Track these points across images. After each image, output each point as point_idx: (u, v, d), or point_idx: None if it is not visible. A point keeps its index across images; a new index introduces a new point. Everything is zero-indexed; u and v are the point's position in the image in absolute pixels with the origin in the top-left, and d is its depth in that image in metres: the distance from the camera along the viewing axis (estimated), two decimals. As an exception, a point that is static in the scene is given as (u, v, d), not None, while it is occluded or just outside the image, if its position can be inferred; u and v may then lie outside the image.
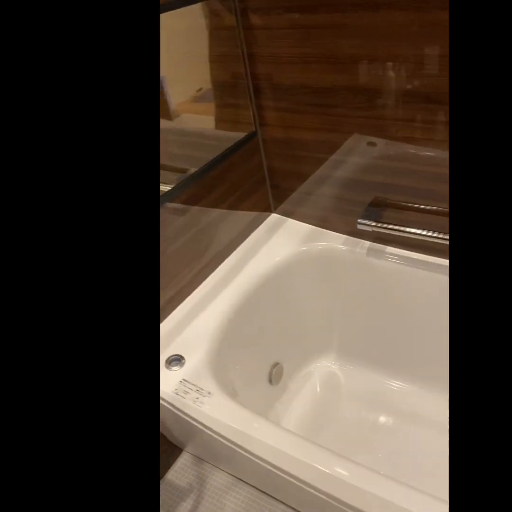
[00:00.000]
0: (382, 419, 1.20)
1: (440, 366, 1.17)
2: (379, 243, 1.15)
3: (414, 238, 1.06)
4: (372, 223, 1.06)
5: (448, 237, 0.98)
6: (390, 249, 1.14)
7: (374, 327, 1.23)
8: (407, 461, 1.10)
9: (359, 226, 1.07)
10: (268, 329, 1.18)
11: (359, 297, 1.22)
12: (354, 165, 1.07)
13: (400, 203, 1.07)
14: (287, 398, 1.26)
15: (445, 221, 1.03)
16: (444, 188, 0.99)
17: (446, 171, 0.97)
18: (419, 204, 1.04)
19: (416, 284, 1.11)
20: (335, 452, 0.76)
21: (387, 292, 1.16)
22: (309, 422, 1.21)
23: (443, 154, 0.95)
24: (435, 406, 1.19)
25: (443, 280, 1.07)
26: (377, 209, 1.09)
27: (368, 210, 1.09)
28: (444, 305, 1.09)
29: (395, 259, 1.12)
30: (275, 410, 1.23)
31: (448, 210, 1.02)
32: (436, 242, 1.04)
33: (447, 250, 1.06)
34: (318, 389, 1.29)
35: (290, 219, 1.29)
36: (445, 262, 1.07)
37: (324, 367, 1.33)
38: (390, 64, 0.90)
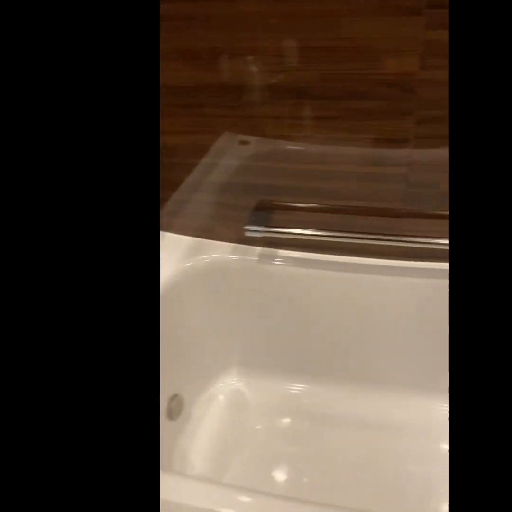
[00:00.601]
0: (295, 424, 1.16)
1: (343, 361, 1.17)
2: (271, 247, 1.10)
3: (306, 239, 1.02)
4: (261, 229, 0.98)
5: (339, 234, 0.96)
6: (282, 252, 1.08)
7: (274, 333, 1.18)
8: (331, 462, 1.07)
9: (247, 234, 0.99)
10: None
11: (256, 306, 1.15)
12: (229, 167, 1.00)
13: (287, 204, 1.02)
14: (191, 429, 1.15)
15: (335, 218, 1.02)
16: (329, 185, 0.97)
17: (325, 167, 0.95)
18: (306, 203, 1.01)
19: (313, 284, 1.08)
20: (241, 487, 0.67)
21: (284, 297, 1.11)
22: (220, 447, 1.12)
23: (318, 149, 0.93)
24: (345, 403, 1.18)
25: (339, 277, 1.05)
26: (264, 212, 1.03)
27: (255, 215, 1.02)
28: (341, 302, 1.09)
29: (289, 262, 1.07)
30: (180, 445, 1.11)
31: (339, 206, 0.99)
32: (328, 241, 1.02)
33: (341, 247, 1.04)
34: (224, 410, 1.20)
35: (168, 233, 1.17)
36: (341, 259, 1.05)
37: (227, 386, 1.24)
38: (251, 58, 0.85)
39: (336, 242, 1.02)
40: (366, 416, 1.15)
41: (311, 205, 1.00)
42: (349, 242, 1.01)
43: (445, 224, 0.95)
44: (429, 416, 1.12)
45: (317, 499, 0.99)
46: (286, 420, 1.17)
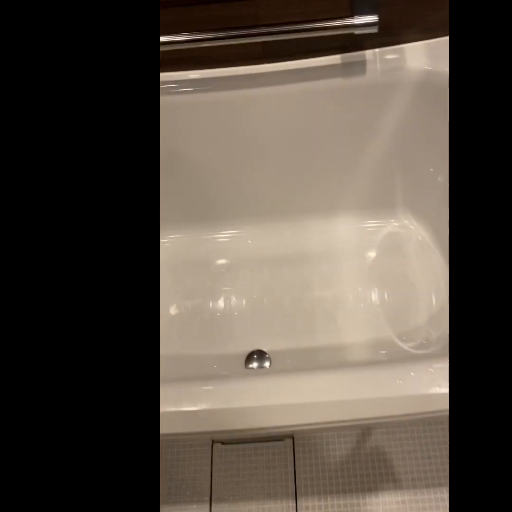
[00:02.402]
0: (212, 269, 1.13)
1: (240, 201, 1.12)
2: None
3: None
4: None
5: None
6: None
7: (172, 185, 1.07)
8: (246, 300, 1.08)
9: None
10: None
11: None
12: None
13: None
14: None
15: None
16: None
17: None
18: None
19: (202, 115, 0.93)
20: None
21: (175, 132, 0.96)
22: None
23: None
24: (249, 243, 1.15)
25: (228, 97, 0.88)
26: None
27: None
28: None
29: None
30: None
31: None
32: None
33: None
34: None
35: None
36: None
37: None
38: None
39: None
40: (271, 253, 1.13)
41: None
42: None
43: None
44: (330, 239, 1.13)
45: (240, 334, 1.03)
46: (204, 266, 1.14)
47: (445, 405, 0.57)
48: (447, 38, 0.84)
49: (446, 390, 0.57)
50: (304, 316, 1.04)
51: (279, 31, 0.78)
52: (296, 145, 1.00)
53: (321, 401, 0.59)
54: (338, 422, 0.60)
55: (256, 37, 0.79)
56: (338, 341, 1.01)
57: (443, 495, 0.91)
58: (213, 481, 0.95)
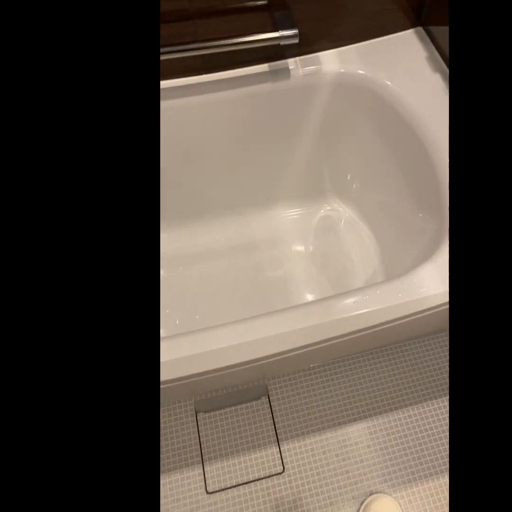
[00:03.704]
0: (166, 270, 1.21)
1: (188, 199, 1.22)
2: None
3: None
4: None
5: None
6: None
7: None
8: (204, 290, 1.18)
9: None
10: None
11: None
12: None
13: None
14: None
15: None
16: None
17: None
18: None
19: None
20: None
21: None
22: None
23: None
24: (197, 239, 1.25)
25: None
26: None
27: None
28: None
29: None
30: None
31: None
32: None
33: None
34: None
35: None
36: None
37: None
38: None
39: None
40: (220, 246, 1.24)
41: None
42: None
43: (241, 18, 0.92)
44: (273, 227, 1.26)
45: (203, 319, 1.13)
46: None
47: (375, 321, 0.71)
48: (354, 45, 1.03)
49: (372, 308, 0.71)
50: (261, 294, 1.16)
51: (216, 45, 0.90)
52: (234, 145, 1.13)
53: (279, 333, 0.71)
54: (293, 350, 0.72)
55: (196, 51, 0.91)
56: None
57: (400, 416, 1.07)
58: (202, 445, 1.03)
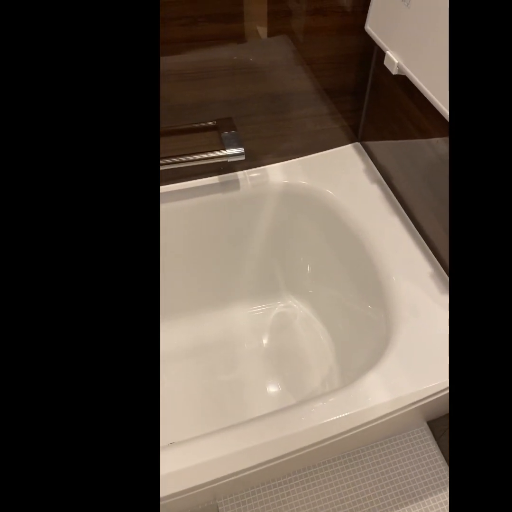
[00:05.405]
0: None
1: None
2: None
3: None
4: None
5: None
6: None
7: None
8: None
9: None
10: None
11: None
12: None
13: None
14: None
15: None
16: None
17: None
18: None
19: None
20: None
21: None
22: None
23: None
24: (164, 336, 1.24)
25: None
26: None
27: None
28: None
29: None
30: None
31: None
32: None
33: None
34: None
35: None
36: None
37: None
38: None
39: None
40: (172, 349, 1.23)
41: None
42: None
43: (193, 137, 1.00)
44: (227, 327, 1.26)
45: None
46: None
47: (321, 436, 0.70)
48: (296, 159, 1.12)
49: (319, 422, 0.71)
50: (213, 401, 1.13)
51: (172, 162, 0.97)
52: (191, 250, 1.17)
53: (234, 451, 0.68)
54: (246, 469, 0.69)
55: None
56: (247, 418, 1.10)
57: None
58: None
